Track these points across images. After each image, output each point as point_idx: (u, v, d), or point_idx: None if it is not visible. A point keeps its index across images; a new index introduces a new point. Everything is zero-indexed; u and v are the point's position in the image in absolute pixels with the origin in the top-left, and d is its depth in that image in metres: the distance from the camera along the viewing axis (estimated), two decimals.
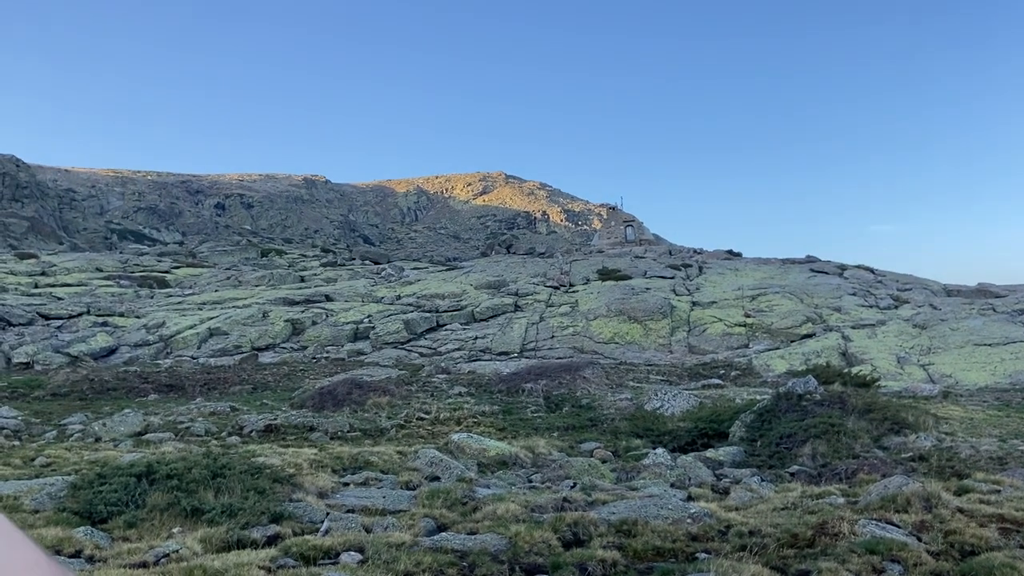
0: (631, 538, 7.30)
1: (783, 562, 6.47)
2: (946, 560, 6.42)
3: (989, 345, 32.08)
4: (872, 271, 56.02)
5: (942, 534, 7.04)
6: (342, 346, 36.95)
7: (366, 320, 40.78)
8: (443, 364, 32.37)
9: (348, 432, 18.71)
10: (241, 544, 7.46)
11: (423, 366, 31.95)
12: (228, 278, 58.23)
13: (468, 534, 7.49)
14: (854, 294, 45.39)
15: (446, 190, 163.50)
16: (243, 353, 35.51)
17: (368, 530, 7.99)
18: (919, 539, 7.01)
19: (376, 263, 69.61)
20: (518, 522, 7.92)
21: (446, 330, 40.00)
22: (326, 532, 7.75)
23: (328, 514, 8.96)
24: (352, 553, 6.62)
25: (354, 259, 73.79)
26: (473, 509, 9.13)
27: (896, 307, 42.44)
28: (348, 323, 40.23)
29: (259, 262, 70.27)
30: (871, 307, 42.16)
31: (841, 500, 9.19)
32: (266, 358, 35.03)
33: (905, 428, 16.33)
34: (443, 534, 7.57)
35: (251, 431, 18.17)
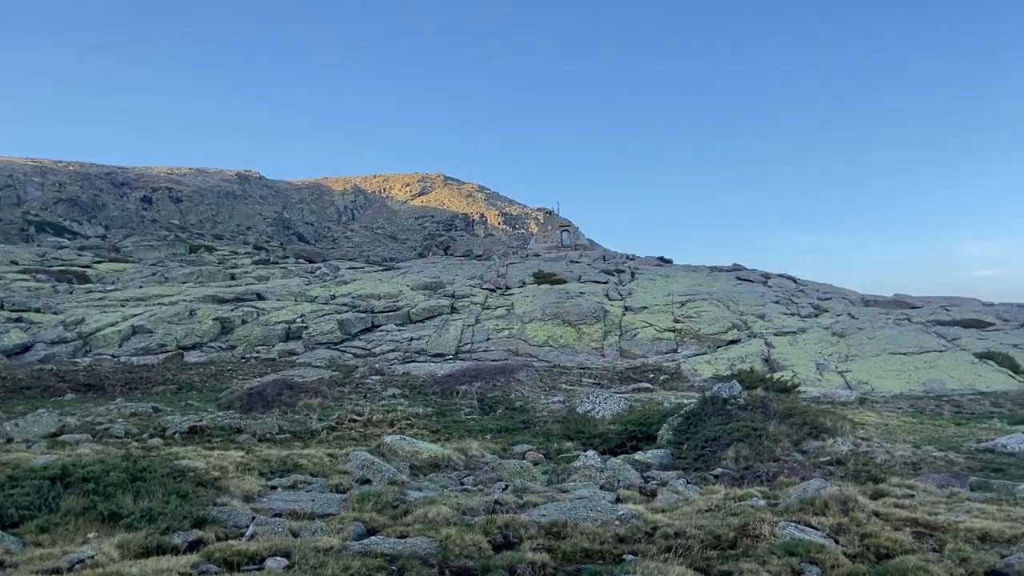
0: (561, 540, 7.38)
1: (707, 563, 6.63)
2: (862, 562, 6.67)
3: (904, 354, 33.51)
4: (794, 280, 57.95)
5: (858, 537, 7.32)
6: (273, 346, 36.23)
7: (299, 320, 40.09)
8: (377, 365, 32.06)
9: (277, 434, 18.35)
10: (161, 550, 7.25)
11: (357, 367, 31.60)
12: (154, 274, 56.43)
13: (398, 538, 7.45)
14: (777, 302, 46.84)
15: (384, 190, 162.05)
16: (168, 352, 34.46)
17: (295, 534, 7.87)
18: (836, 541, 7.27)
19: (311, 262, 68.50)
20: (449, 525, 7.92)
21: (381, 331, 39.65)
22: (251, 537, 7.60)
23: (254, 518, 8.79)
24: (278, 558, 6.51)
25: (288, 257, 72.43)
26: (404, 512, 9.09)
27: (816, 315, 43.97)
28: (280, 322, 39.47)
29: (187, 258, 68.30)
30: (793, 315, 43.57)
31: (762, 502, 9.47)
32: (192, 357, 34.07)
33: (823, 433, 16.93)
34: (373, 538, 7.51)
35: (175, 433, 17.64)
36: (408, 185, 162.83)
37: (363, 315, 41.07)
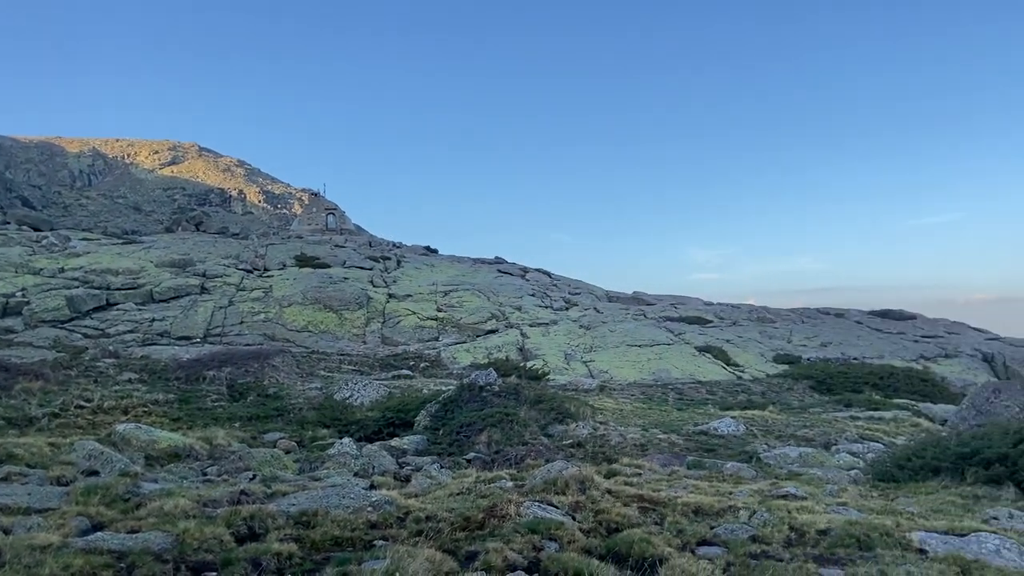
0: (310, 529, 7.23)
1: (455, 544, 6.85)
2: (595, 537, 7.26)
3: (639, 346, 36.91)
4: (549, 275, 61.43)
5: (593, 513, 7.96)
6: None
7: (19, 294, 35.31)
8: (112, 347, 29.17)
9: None
10: None
11: (87, 348, 28.53)
12: None
13: (129, 533, 6.87)
14: (533, 295, 49.42)
15: (128, 155, 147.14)
16: None
17: (7, 532, 6.96)
18: (574, 518, 7.85)
19: (37, 230, 60.47)
20: (188, 518, 7.44)
21: (118, 310, 36.07)
22: None
23: None
24: None
25: (8, 223, 63.34)
26: (136, 506, 8.38)
27: (567, 309, 47.04)
28: None
29: None
30: (547, 307, 46.23)
31: (510, 484, 9.96)
32: None
33: (568, 417, 18.17)
34: (99, 534, 6.86)
35: None
36: (157, 153, 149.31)
37: (97, 292, 37.11)
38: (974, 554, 6.71)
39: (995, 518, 8.56)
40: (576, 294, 53.54)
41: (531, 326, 40.27)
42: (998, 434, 11.45)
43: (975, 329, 53.38)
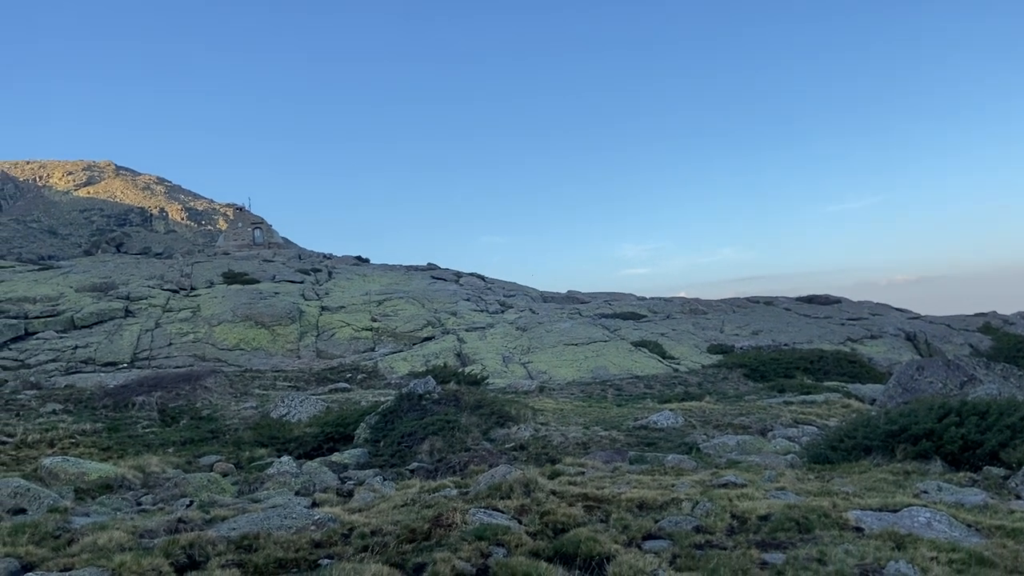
0: (252, 553, 7.06)
1: (402, 557, 6.78)
2: (542, 539, 7.28)
3: (576, 344, 37.26)
4: (483, 278, 61.53)
5: (539, 516, 7.97)
6: None
7: None
8: (33, 379, 27.92)
9: None
10: None
11: (7, 381, 27.24)
12: None
13: (62, 571, 6.59)
14: (468, 299, 49.40)
15: (40, 178, 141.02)
16: None
17: None
18: (520, 522, 7.85)
19: None
20: (123, 551, 7.17)
21: (38, 339, 34.56)
22: None
23: None
24: None
25: None
26: (68, 542, 8.04)
27: (503, 311, 47.18)
28: None
29: None
30: (482, 311, 46.26)
31: (455, 492, 9.92)
32: None
33: (509, 421, 18.20)
34: (30, 574, 6.56)
35: None
36: (71, 174, 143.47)
37: (14, 321, 35.48)
38: (907, 528, 6.99)
39: (925, 492, 8.95)
40: (511, 296, 53.73)
41: (467, 331, 40.22)
42: (923, 410, 11.94)
43: (898, 309, 55.74)
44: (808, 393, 26.29)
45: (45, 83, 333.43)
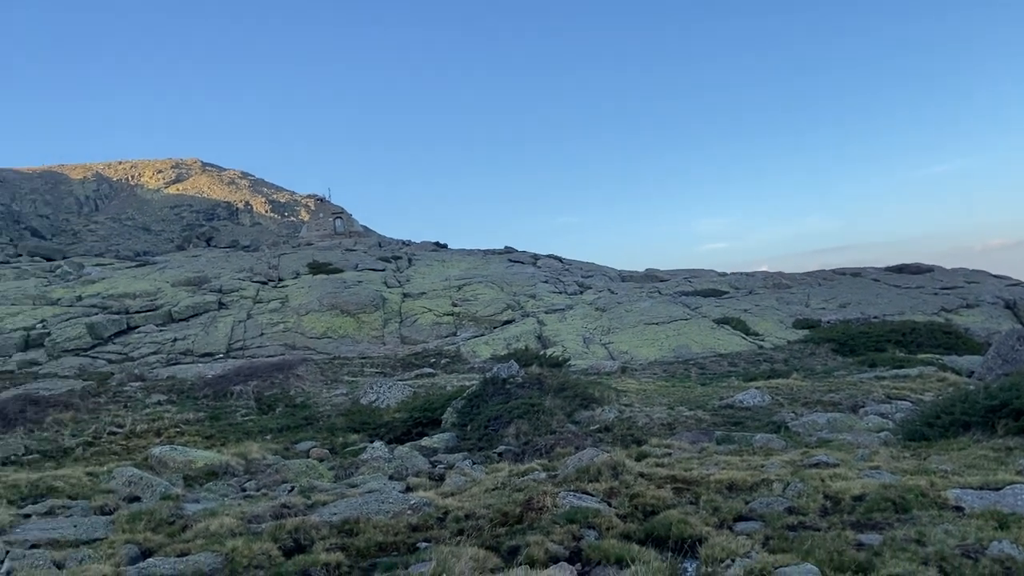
0: (354, 537, 7.39)
1: (496, 540, 6.98)
2: (632, 521, 7.35)
3: (657, 324, 36.92)
4: (560, 260, 61.45)
5: (628, 498, 8.04)
6: (10, 356, 32.12)
7: (39, 325, 35.81)
8: (137, 370, 29.54)
9: (24, 455, 16.44)
10: None
11: (113, 374, 28.91)
12: None
13: (179, 556, 7.04)
14: (546, 281, 49.49)
15: (132, 177, 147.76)
16: None
17: (60, 566, 7.16)
18: (610, 505, 7.94)
19: (49, 260, 61.18)
20: (234, 536, 7.61)
21: (139, 333, 36.51)
22: (8, 573, 6.81)
23: (8, 552, 7.85)
24: None
25: (20, 256, 64.03)
26: (183, 528, 8.58)
27: (581, 292, 47.08)
28: (16, 330, 35.01)
29: None
30: (560, 293, 46.29)
31: (543, 475, 10.08)
32: None
33: (593, 402, 18.26)
34: (150, 560, 7.04)
35: None
36: (160, 172, 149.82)
37: (116, 316, 37.56)
38: (1011, 507, 6.76)
39: None
40: (589, 277, 53.56)
41: (547, 313, 40.36)
42: None
43: (995, 276, 52.91)
44: (901, 367, 25.36)
45: (129, 83, 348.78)
